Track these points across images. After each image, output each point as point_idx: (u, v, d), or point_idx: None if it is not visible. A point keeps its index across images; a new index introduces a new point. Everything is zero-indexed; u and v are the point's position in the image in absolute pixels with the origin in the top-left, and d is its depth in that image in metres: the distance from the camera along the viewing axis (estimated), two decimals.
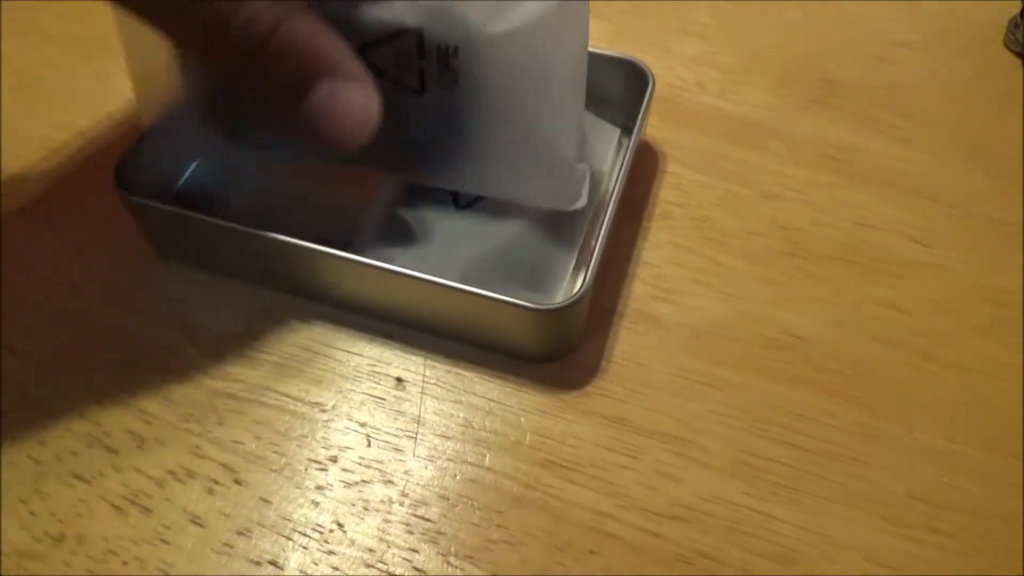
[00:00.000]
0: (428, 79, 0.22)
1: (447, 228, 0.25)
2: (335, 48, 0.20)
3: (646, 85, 0.27)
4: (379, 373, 0.24)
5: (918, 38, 0.34)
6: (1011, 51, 0.33)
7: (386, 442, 0.23)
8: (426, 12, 0.21)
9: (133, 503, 0.22)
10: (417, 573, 0.21)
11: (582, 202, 0.24)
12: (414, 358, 0.24)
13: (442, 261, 0.24)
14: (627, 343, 0.25)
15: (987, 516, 0.22)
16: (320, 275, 0.24)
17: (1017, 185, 0.29)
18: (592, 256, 0.23)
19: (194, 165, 0.28)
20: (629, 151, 0.25)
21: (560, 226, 0.25)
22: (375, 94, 0.20)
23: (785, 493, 0.22)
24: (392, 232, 0.25)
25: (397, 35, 0.22)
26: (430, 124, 0.23)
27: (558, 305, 0.22)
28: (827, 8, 0.35)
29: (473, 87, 0.22)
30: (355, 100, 0.20)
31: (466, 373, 0.24)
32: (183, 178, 0.28)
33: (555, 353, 0.24)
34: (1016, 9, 0.32)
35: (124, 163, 0.25)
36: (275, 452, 0.23)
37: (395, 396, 0.24)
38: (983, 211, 0.28)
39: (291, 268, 0.24)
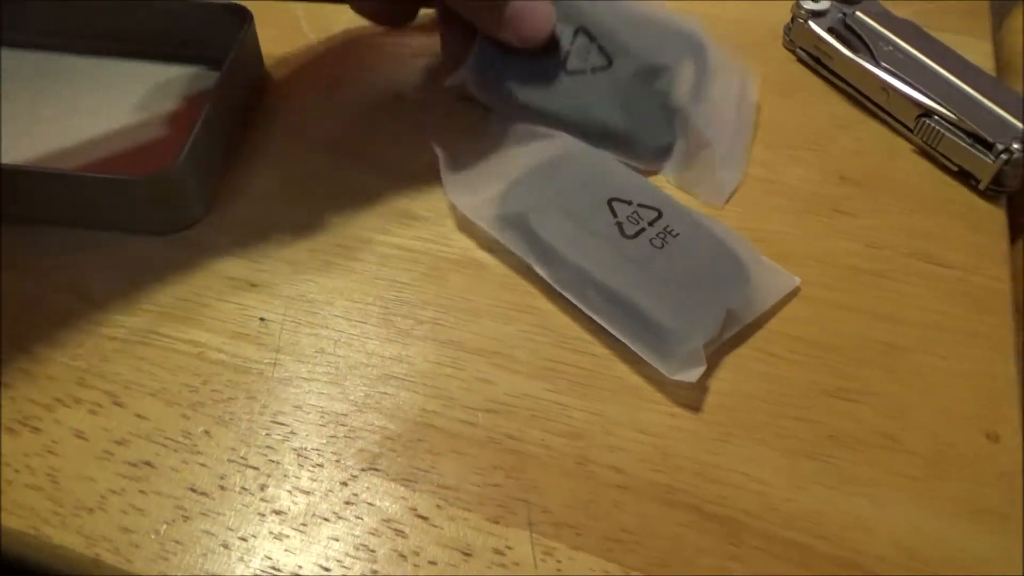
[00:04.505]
0: (643, 237, 0.29)
1: None
2: None
3: (246, 19, 0.35)
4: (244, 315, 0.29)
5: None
6: (787, 49, 0.40)
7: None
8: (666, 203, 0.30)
9: (24, 425, 0.26)
10: (272, 463, 0.25)
11: (678, 375, 0.26)
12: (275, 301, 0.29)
13: None
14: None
15: (730, 394, 0.27)
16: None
17: (788, 153, 0.35)
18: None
19: None
20: (223, 70, 0.32)
21: None
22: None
23: (579, 389, 0.27)
24: None
25: (645, 206, 0.30)
26: (627, 263, 0.28)
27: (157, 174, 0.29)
28: None
29: (672, 253, 0.29)
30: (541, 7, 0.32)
31: (319, 302, 0.29)
32: None
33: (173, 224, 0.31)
34: (789, 18, 0.39)
35: None
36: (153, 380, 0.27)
37: (258, 332, 0.28)
38: (758, 174, 0.34)
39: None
